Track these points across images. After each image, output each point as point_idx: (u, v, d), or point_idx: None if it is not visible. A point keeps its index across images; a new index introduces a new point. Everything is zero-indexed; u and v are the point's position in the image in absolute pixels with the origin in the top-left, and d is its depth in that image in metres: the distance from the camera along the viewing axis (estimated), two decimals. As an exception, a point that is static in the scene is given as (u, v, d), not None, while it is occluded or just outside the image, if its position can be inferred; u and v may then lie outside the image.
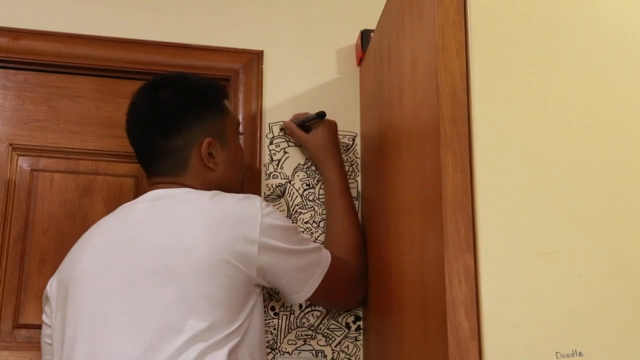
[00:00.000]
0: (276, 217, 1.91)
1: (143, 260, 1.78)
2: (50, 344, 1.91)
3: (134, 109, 2.04)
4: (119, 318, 1.74)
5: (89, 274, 1.83)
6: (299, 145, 2.39)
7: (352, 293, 2.20)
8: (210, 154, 1.99)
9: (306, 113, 2.34)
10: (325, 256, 2.01)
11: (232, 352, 1.74)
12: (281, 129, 2.40)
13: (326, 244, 2.22)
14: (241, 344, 1.78)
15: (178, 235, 1.79)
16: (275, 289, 2.03)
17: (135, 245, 1.81)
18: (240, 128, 2.24)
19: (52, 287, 1.93)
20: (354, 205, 2.29)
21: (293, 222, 2.30)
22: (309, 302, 2.22)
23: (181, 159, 1.98)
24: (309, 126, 2.34)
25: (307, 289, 1.97)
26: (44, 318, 1.97)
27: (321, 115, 2.30)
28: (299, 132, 2.34)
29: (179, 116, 1.99)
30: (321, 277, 1.98)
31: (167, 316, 1.72)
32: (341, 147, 2.40)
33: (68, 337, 1.79)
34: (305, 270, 1.96)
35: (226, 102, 2.10)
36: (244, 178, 2.18)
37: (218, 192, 1.91)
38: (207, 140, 1.98)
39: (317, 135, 2.31)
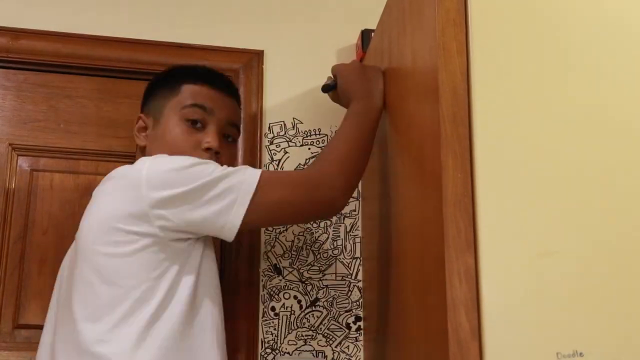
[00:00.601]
0: (160, 170, 1.80)
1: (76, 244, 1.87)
2: None
3: None
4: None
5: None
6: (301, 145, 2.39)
7: (311, 198, 1.91)
8: (143, 129, 2.06)
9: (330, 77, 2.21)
10: (250, 174, 1.83)
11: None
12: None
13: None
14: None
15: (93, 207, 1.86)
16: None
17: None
18: (240, 129, 2.25)
19: None
20: (365, 128, 2.02)
21: (293, 222, 2.29)
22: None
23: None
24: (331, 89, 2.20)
25: (232, 218, 1.79)
26: None
27: (327, 88, 2.18)
28: (332, 95, 2.21)
29: (144, 97, 2.11)
30: (248, 198, 1.80)
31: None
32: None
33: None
34: (217, 202, 1.79)
35: (185, 86, 2.03)
36: None
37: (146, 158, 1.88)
38: (138, 115, 2.08)
39: (337, 91, 2.16)
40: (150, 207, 1.74)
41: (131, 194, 1.76)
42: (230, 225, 1.79)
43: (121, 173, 1.83)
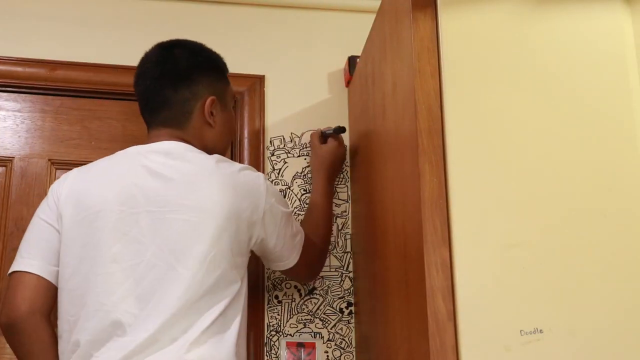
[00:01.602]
0: (275, 189, 1.92)
1: (166, 215, 1.70)
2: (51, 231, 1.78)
3: (146, 62, 1.93)
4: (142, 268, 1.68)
5: (112, 216, 1.71)
6: (298, 156, 2.39)
7: (315, 268, 2.18)
8: (211, 112, 1.89)
9: (329, 127, 2.34)
10: (302, 231, 2.00)
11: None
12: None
13: (302, 224, 2.11)
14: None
15: (198, 194, 1.72)
16: (265, 256, 1.95)
17: (158, 200, 1.71)
18: (245, 141, 2.25)
19: (62, 198, 1.79)
20: (331, 208, 2.27)
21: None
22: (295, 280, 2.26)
23: (185, 110, 1.87)
24: (326, 139, 2.33)
25: (293, 257, 1.96)
26: (46, 211, 1.81)
27: (337, 130, 2.31)
28: (315, 140, 2.33)
29: (189, 70, 1.89)
30: (301, 250, 1.97)
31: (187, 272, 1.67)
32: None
33: (84, 268, 1.70)
34: (293, 238, 1.94)
35: (227, 75, 2.01)
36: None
37: (220, 157, 1.84)
38: (211, 97, 1.89)
39: (323, 150, 2.30)
40: (263, 216, 1.83)
41: (253, 200, 1.81)
42: (290, 261, 1.97)
43: (238, 178, 1.80)
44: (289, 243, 1.93)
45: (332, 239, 2.33)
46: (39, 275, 1.75)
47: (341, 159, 2.36)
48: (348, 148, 2.42)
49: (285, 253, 1.93)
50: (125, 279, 1.67)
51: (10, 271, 1.78)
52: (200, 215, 1.70)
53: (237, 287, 1.75)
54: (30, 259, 1.76)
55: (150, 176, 1.74)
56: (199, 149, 1.85)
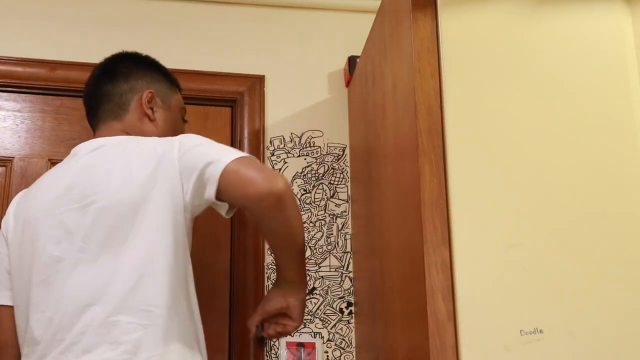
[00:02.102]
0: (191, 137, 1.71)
1: (88, 207, 1.62)
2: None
3: (93, 71, 1.92)
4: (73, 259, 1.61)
5: (40, 220, 1.67)
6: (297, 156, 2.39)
7: (271, 177, 1.62)
8: (150, 107, 1.83)
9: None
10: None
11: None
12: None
13: None
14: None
15: (112, 178, 1.63)
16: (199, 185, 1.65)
17: (77, 193, 1.64)
18: (245, 141, 2.25)
19: (8, 219, 1.77)
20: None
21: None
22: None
23: (122, 102, 1.82)
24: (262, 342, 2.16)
25: (223, 160, 1.59)
26: None
27: (260, 341, 2.14)
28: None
29: (129, 68, 1.88)
30: (238, 154, 1.62)
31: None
32: (332, 156, 2.41)
33: (24, 278, 1.67)
34: (219, 149, 1.66)
35: (179, 90, 1.95)
36: None
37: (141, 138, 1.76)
38: (149, 90, 1.84)
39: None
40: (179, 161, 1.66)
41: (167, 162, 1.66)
42: (220, 163, 1.61)
43: (149, 148, 1.68)
44: (211, 149, 1.66)
45: (332, 238, 2.33)
46: (6, 305, 1.74)
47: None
48: (348, 147, 2.42)
49: (209, 156, 1.62)
50: (66, 278, 1.61)
51: None
52: (131, 195, 1.61)
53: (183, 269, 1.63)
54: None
55: (82, 170, 1.69)
56: None
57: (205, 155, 1.62)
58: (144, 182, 1.62)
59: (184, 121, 1.96)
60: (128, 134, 1.80)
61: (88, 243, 1.60)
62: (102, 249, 1.60)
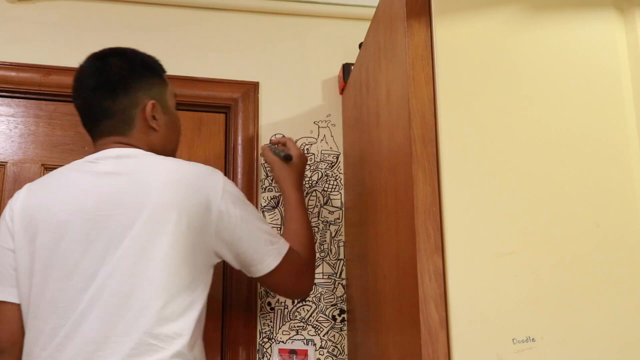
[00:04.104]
0: (235, 188, 1.85)
1: (117, 216, 1.68)
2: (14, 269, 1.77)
3: (82, 74, 1.91)
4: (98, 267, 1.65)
5: (63, 225, 1.70)
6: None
7: (303, 282, 2.00)
8: (153, 117, 1.87)
9: (280, 142, 2.33)
10: (284, 242, 1.91)
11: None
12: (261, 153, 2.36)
13: (284, 237, 2.06)
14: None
15: (152, 193, 1.70)
16: (241, 264, 1.87)
17: (108, 201, 1.70)
18: (239, 147, 2.24)
19: (15, 216, 1.78)
20: (307, 213, 2.17)
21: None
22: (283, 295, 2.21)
23: (127, 118, 1.85)
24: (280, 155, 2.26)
25: (269, 261, 1.84)
26: (2, 237, 1.79)
27: (286, 157, 2.23)
28: (270, 155, 2.26)
29: (126, 79, 1.87)
30: (280, 257, 1.86)
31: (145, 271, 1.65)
32: (326, 163, 2.41)
33: (37, 279, 1.70)
34: (264, 243, 1.85)
35: (165, 76, 1.98)
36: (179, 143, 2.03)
37: (175, 158, 1.84)
38: (151, 102, 1.87)
39: (284, 166, 2.23)
40: (219, 215, 1.78)
41: (207, 197, 1.77)
42: (264, 266, 1.87)
43: (191, 174, 1.79)
44: (259, 245, 1.84)
45: (326, 246, 2.33)
46: (14, 303, 1.75)
47: (304, 166, 2.29)
48: (342, 155, 2.42)
49: (256, 256, 1.84)
50: (85, 289, 1.65)
51: None
52: (158, 211, 1.68)
53: (200, 292, 1.73)
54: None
55: (106, 180, 1.74)
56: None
57: (248, 248, 1.83)
58: (175, 204, 1.70)
59: (177, 108, 2.01)
60: (137, 147, 1.84)
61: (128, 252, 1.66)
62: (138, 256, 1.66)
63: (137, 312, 1.62)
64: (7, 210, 1.81)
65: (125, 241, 1.66)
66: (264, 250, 1.85)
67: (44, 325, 1.66)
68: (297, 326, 2.26)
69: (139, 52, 1.97)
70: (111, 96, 1.85)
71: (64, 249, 1.69)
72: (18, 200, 1.81)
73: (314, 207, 2.37)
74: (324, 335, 2.27)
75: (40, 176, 2.23)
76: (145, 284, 1.64)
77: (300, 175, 2.25)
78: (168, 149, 1.92)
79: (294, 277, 1.95)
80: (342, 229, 2.37)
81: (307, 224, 2.12)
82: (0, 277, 1.77)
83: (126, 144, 1.84)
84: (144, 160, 1.79)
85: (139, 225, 1.67)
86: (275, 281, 1.91)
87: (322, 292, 2.30)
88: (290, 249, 1.90)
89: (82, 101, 1.90)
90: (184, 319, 1.66)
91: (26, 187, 1.84)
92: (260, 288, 2.26)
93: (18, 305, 1.74)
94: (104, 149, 1.83)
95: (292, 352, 2.23)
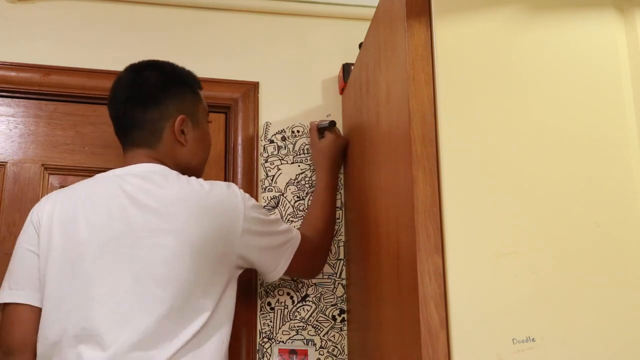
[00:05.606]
0: (254, 205, 1.90)
1: (138, 240, 1.72)
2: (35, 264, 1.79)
3: (118, 85, 1.96)
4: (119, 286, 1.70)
5: (86, 242, 1.74)
6: (292, 162, 2.39)
7: (315, 265, 2.23)
8: (182, 131, 1.91)
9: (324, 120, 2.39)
10: (296, 235, 2.02)
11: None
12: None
13: (303, 222, 2.25)
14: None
15: (173, 218, 1.74)
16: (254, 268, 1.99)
17: (136, 226, 1.74)
18: (239, 147, 2.24)
19: (42, 222, 1.81)
20: (334, 201, 2.31)
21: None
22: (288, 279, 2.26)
23: (156, 131, 1.89)
24: (323, 133, 2.36)
25: (281, 267, 1.98)
26: (28, 240, 1.81)
27: (330, 124, 2.34)
28: (314, 135, 2.37)
29: (158, 91, 1.92)
30: (292, 255, 1.99)
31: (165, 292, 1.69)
32: (327, 164, 2.42)
33: (61, 291, 1.72)
34: (278, 250, 1.96)
35: (200, 92, 2.03)
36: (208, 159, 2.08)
37: (196, 178, 1.86)
38: (180, 117, 1.91)
39: (322, 144, 2.33)
40: (241, 236, 1.85)
41: (230, 221, 1.84)
42: (277, 271, 2.00)
43: (214, 199, 1.83)
44: (274, 255, 1.95)
45: (325, 246, 2.34)
46: (32, 305, 1.77)
47: (341, 150, 2.35)
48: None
49: (272, 265, 1.96)
50: (103, 304, 1.68)
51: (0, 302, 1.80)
52: (177, 240, 1.72)
53: (208, 315, 1.75)
54: (18, 289, 1.78)
55: (129, 202, 1.76)
56: (173, 167, 1.88)
57: (265, 260, 1.95)
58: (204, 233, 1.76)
59: (209, 122, 2.07)
60: (162, 161, 1.88)
61: (142, 276, 1.71)
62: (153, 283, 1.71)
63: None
64: (34, 214, 1.84)
65: (145, 266, 1.70)
66: (278, 255, 1.97)
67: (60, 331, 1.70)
68: (297, 326, 2.26)
69: (176, 67, 2.02)
70: (142, 107, 1.90)
71: (84, 266, 1.72)
72: (46, 206, 1.83)
73: (314, 207, 2.37)
74: (324, 336, 2.27)
75: (40, 177, 2.24)
76: (164, 308, 1.68)
77: (332, 159, 2.33)
78: (193, 165, 1.96)
79: (305, 263, 2.11)
80: (342, 229, 2.36)
81: (328, 207, 2.25)
82: (21, 279, 1.79)
83: (153, 158, 1.88)
84: (166, 182, 1.80)
85: (160, 251, 1.71)
86: (287, 273, 2.04)
87: (323, 292, 2.30)
88: (302, 241, 2.02)
89: (115, 111, 1.95)
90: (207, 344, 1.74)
91: (54, 194, 1.88)
92: (260, 288, 2.26)
93: (35, 308, 1.76)
94: (132, 162, 1.88)
95: (292, 352, 2.23)
